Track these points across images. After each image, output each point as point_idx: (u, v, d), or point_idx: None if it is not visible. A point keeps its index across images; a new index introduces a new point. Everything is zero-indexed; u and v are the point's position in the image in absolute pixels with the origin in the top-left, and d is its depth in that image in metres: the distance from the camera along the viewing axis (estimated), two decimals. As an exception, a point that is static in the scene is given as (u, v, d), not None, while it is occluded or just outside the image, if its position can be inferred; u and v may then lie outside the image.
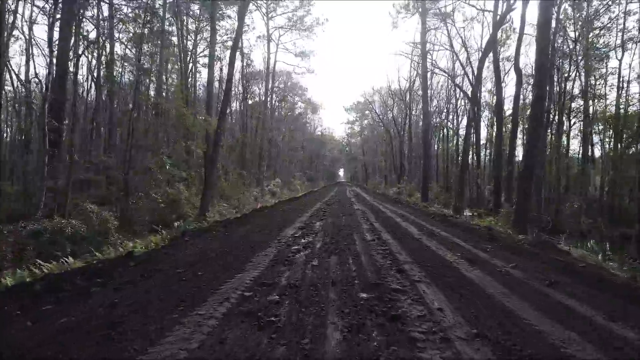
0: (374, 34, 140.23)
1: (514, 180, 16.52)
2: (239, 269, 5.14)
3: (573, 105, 20.92)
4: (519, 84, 14.16)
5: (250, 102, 37.30)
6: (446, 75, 24.17)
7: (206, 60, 23.13)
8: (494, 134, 16.27)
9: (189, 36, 26.42)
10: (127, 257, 5.78)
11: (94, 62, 20.77)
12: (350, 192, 35.22)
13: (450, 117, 34.00)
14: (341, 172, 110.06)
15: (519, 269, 5.54)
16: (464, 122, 29.25)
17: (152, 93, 20.55)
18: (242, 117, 32.66)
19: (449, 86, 31.68)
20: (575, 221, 15.33)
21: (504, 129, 24.39)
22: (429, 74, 25.76)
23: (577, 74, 20.42)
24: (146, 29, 15.81)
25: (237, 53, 33.81)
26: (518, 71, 14.07)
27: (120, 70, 17.17)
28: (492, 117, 25.94)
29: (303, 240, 7.59)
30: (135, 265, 5.44)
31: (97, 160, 13.94)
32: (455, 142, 28.83)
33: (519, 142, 20.83)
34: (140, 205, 13.02)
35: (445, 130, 34.69)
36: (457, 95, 28.09)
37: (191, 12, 23.74)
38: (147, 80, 15.78)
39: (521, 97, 17.36)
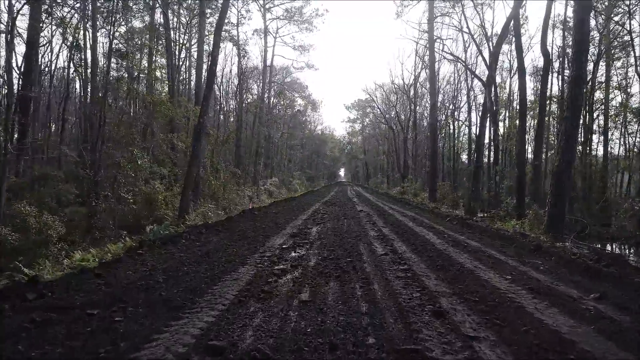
0: (376, 30, 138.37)
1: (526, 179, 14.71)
2: (177, 316, 3.27)
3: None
4: (545, 70, 12.30)
5: (247, 99, 35.53)
6: (458, 61, 22.26)
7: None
8: (516, 127, 14.31)
9: (181, 28, 24.64)
10: (31, 285, 3.95)
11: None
12: (352, 191, 33.38)
13: (456, 113, 32.19)
14: (342, 172, 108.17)
15: (609, 302, 3.71)
16: (470, 117, 27.45)
17: (143, 88, 18.82)
18: (239, 111, 30.84)
19: (456, 80, 29.84)
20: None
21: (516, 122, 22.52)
22: (436, 65, 23.89)
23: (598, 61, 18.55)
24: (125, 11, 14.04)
25: (231, 44, 32.11)
26: (545, 54, 12.21)
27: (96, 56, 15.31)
28: (505, 110, 24.05)
29: (293, 254, 5.76)
30: (33, 299, 3.60)
31: (56, 153, 12.08)
32: (467, 137, 26.84)
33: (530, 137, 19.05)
34: (107, 207, 11.20)
35: (451, 126, 32.81)
36: (469, 85, 26.10)
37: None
38: (125, 65, 13.97)
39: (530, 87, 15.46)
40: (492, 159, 18.39)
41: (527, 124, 14.58)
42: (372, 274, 4.55)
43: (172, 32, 22.98)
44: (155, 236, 8.49)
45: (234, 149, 29.05)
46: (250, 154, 31.85)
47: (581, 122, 17.26)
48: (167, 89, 19.34)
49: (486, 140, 23.19)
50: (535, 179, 12.63)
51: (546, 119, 14.27)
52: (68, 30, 13.62)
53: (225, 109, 37.90)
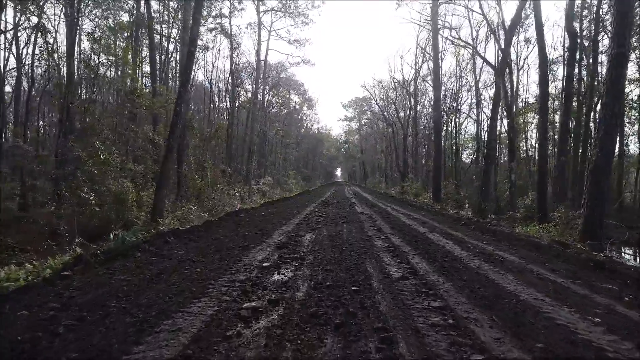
0: (373, 27, 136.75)
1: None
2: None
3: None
4: (572, 52, 10.78)
5: (240, 96, 33.87)
6: (467, 46, 20.71)
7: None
8: (525, 122, 12.79)
9: (170, 20, 22.87)
10: None
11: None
12: (349, 191, 31.82)
13: (459, 110, 30.74)
14: (338, 172, 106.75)
15: None
16: (479, 112, 25.98)
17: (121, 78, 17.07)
18: (230, 106, 29.20)
19: (459, 75, 28.37)
20: None
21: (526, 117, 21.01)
22: (440, 56, 22.34)
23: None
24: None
25: (224, 38, 30.41)
26: (572, 33, 10.69)
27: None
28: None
29: (276, 278, 4.17)
30: None
31: (7, 146, 10.39)
32: (474, 134, 25.28)
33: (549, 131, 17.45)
34: (70, 209, 9.56)
35: (452, 123, 31.37)
36: (477, 77, 24.51)
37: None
38: (97, 49, 12.30)
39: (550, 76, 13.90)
40: (505, 155, 16.83)
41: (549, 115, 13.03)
42: (392, 317, 2.97)
43: (160, 26, 21.33)
44: (116, 244, 6.92)
45: (224, 146, 27.44)
46: (243, 152, 30.26)
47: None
48: (150, 80, 17.68)
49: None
50: (560, 176, 11.13)
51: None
52: (30, 10, 11.97)
53: (218, 106, 36.22)
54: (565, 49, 12.81)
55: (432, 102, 32.02)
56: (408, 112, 34.87)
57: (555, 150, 16.58)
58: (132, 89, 11.36)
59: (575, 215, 9.33)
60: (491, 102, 23.39)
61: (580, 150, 13.49)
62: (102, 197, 10.21)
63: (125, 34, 14.17)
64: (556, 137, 17.17)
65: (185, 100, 10.71)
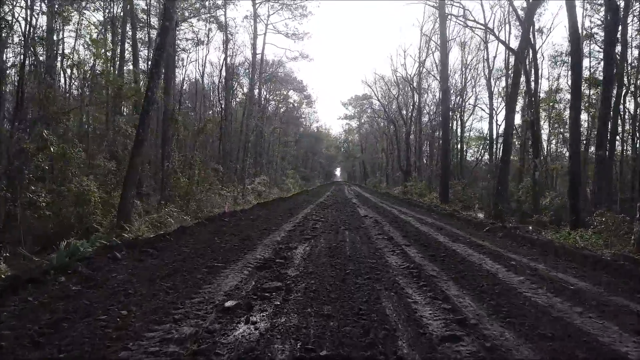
0: (374, 24, 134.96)
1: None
2: None
3: None
4: (612, 29, 9.14)
5: (237, 94, 32.25)
6: (479, 28, 19.04)
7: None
8: (569, 107, 11.02)
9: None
10: None
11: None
12: (350, 191, 30.23)
13: (463, 106, 29.14)
14: (338, 172, 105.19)
15: None
16: (491, 106, 24.40)
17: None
18: (224, 100, 27.62)
19: (467, 66, 26.79)
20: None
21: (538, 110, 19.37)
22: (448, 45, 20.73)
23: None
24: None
25: (218, 31, 28.82)
26: (612, 5, 9.07)
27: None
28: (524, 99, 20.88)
29: (238, 334, 2.55)
30: None
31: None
32: (488, 127, 23.53)
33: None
34: (20, 212, 7.95)
35: (458, 118, 29.73)
36: (490, 66, 22.69)
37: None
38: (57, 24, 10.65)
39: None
40: (530, 150, 15.22)
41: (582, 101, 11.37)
42: None
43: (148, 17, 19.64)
44: (59, 259, 5.36)
45: (218, 144, 25.83)
46: (239, 150, 28.67)
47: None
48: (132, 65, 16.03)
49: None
50: (601, 174, 9.52)
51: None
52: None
53: (212, 101, 34.54)
54: (602, 21, 11.33)
55: (435, 99, 30.54)
56: (411, 109, 33.26)
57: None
58: (102, 72, 9.75)
59: (622, 221, 7.74)
60: (503, 96, 21.78)
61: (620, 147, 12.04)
62: (58, 199, 8.59)
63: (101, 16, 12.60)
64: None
65: (158, 84, 9.08)
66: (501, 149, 13.99)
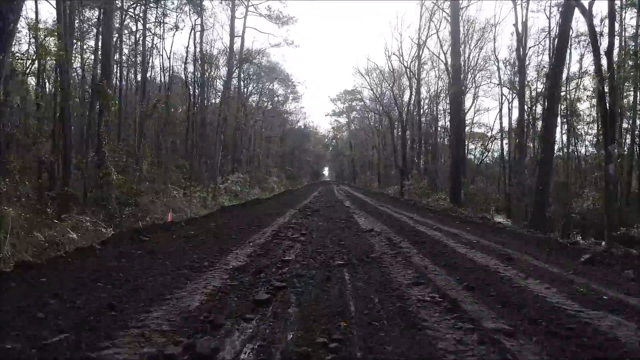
0: (365, 17, 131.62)
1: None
2: None
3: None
4: None
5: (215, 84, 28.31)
6: None
7: None
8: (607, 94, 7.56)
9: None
10: None
11: None
12: (340, 192, 26.70)
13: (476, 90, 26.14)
14: (326, 171, 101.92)
15: None
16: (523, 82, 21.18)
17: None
18: (193, 85, 23.71)
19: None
20: None
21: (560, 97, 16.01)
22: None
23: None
24: None
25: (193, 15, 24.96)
26: None
27: None
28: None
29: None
30: None
31: None
32: (518, 111, 19.74)
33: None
34: None
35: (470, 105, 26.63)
36: (523, 32, 18.23)
37: None
38: None
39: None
40: (599, 137, 11.78)
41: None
42: None
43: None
44: None
45: (184, 135, 21.99)
46: (216, 144, 24.84)
47: None
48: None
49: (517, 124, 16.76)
50: None
51: None
52: None
53: (185, 92, 30.53)
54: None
55: (431, 92, 27.42)
56: (408, 99, 29.97)
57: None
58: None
59: None
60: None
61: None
62: None
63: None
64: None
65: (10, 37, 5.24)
66: (541, 126, 10.58)
